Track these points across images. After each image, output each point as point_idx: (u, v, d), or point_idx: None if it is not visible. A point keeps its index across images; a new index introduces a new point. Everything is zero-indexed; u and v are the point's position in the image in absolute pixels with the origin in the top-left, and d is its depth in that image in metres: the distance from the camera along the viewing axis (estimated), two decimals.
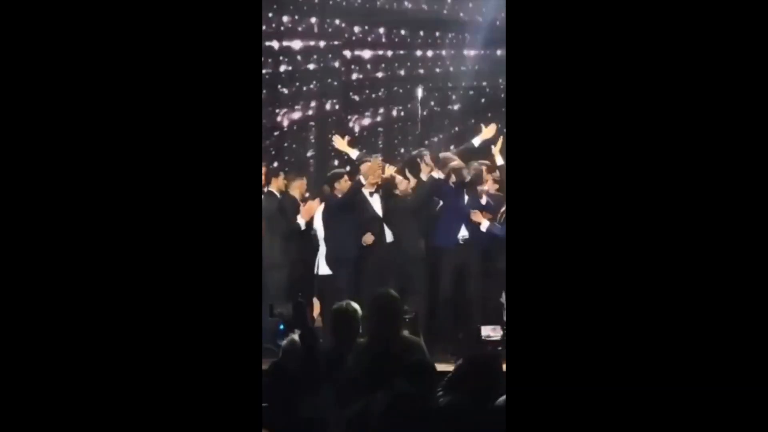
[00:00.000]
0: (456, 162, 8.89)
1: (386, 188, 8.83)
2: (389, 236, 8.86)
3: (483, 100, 12.48)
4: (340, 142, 9.36)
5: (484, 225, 8.60)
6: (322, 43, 12.37)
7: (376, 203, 8.84)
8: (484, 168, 8.89)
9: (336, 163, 11.36)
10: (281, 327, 8.85)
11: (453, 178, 8.73)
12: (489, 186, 8.95)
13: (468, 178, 8.71)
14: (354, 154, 9.28)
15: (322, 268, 8.89)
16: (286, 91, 12.20)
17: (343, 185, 8.79)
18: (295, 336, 5.32)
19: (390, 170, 8.92)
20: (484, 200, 8.76)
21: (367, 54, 12.68)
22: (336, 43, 12.44)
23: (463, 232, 8.72)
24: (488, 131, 9.21)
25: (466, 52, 12.56)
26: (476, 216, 8.59)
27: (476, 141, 9.24)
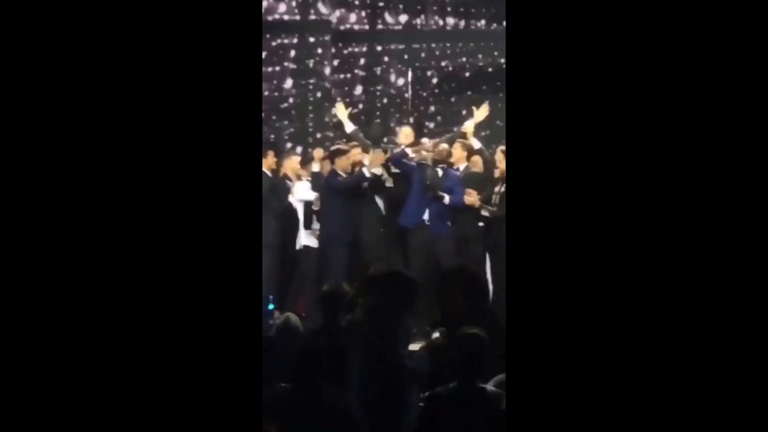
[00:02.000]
0: (425, 147, 8.98)
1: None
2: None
3: (474, 76, 12.48)
4: (342, 111, 9.35)
5: (447, 198, 8.69)
6: (312, 18, 12.32)
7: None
8: (450, 147, 8.94)
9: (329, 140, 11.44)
10: (270, 306, 8.91)
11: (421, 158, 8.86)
12: (469, 163, 9.01)
13: (428, 159, 8.81)
14: (349, 127, 9.27)
15: (304, 241, 9.03)
16: (277, 68, 12.24)
17: (344, 163, 8.89)
18: (290, 314, 5.43)
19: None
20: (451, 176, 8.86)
21: (357, 32, 12.64)
22: (326, 19, 12.39)
23: (427, 215, 8.78)
24: (481, 113, 9.12)
25: (462, 27, 12.53)
26: (470, 195, 8.62)
27: (469, 124, 9.10)
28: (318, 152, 9.56)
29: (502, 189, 8.58)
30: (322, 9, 12.27)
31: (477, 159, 8.96)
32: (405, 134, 8.95)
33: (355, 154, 9.01)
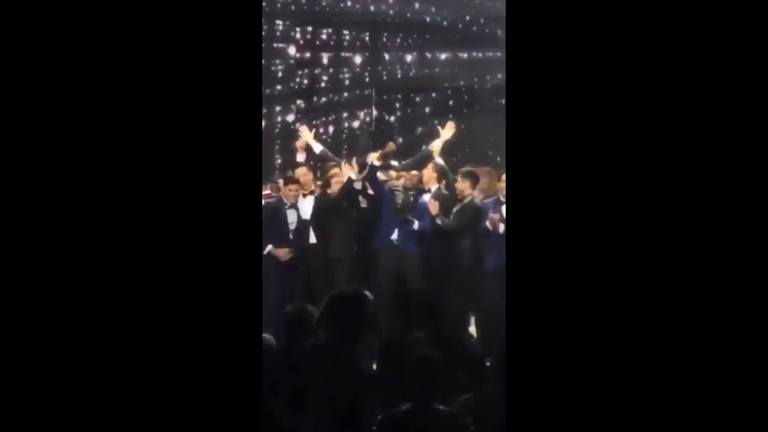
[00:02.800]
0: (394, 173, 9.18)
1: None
2: (312, 238, 9.07)
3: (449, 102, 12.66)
4: (307, 133, 9.59)
5: (416, 224, 8.88)
6: (280, 45, 12.50)
7: (307, 206, 9.08)
8: (420, 172, 9.15)
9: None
10: None
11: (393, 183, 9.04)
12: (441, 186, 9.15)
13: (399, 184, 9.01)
14: (317, 148, 9.51)
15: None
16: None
17: (291, 193, 9.04)
18: (266, 335, 5.22)
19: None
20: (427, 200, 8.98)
21: (327, 56, 12.79)
22: (297, 45, 12.58)
23: (395, 235, 8.97)
24: (447, 131, 9.34)
25: (428, 54, 12.72)
26: (432, 205, 8.77)
27: (437, 143, 9.31)
28: (301, 142, 9.63)
29: (459, 207, 8.85)
30: (286, 36, 12.39)
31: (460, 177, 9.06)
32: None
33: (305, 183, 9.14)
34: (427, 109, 12.69)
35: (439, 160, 9.29)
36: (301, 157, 9.52)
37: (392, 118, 12.77)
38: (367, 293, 5.09)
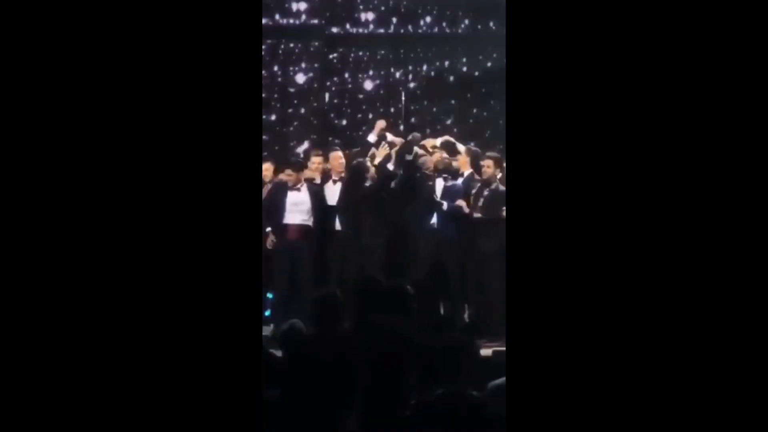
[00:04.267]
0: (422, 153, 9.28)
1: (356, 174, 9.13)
2: (338, 225, 9.15)
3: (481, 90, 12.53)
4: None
5: (446, 204, 8.95)
6: (314, 42, 12.59)
7: (334, 192, 9.18)
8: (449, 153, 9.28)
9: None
10: (269, 295, 9.03)
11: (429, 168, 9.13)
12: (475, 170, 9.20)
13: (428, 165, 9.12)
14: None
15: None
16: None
17: (292, 178, 9.23)
18: (295, 320, 5.31)
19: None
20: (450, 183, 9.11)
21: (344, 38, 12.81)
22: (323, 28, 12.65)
23: (434, 220, 9.04)
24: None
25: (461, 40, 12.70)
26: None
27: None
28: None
29: (486, 192, 8.90)
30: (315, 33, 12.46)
31: (490, 163, 9.06)
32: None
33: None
34: (449, 121, 12.64)
35: (472, 146, 9.46)
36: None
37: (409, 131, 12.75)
38: (409, 287, 5.13)
